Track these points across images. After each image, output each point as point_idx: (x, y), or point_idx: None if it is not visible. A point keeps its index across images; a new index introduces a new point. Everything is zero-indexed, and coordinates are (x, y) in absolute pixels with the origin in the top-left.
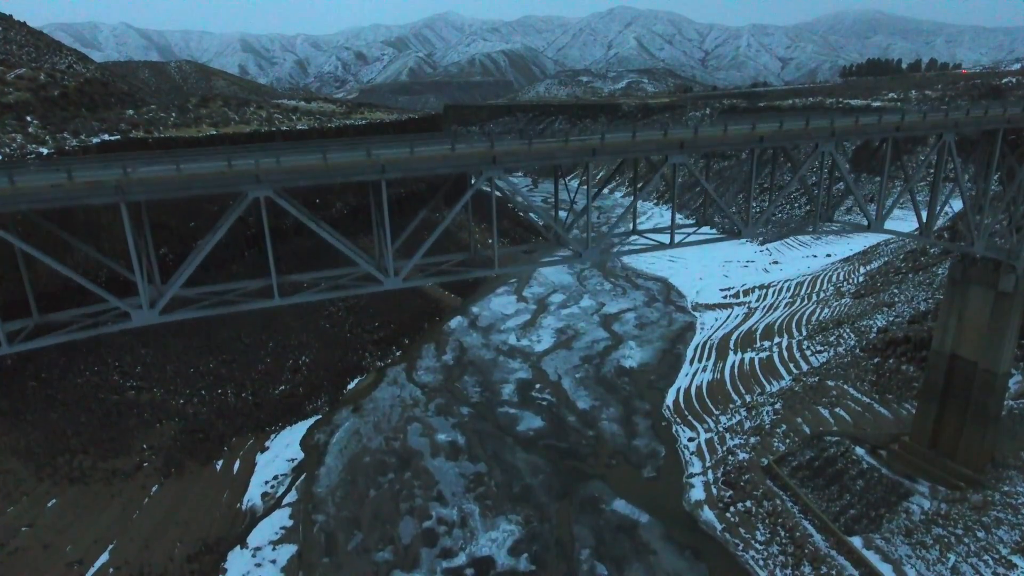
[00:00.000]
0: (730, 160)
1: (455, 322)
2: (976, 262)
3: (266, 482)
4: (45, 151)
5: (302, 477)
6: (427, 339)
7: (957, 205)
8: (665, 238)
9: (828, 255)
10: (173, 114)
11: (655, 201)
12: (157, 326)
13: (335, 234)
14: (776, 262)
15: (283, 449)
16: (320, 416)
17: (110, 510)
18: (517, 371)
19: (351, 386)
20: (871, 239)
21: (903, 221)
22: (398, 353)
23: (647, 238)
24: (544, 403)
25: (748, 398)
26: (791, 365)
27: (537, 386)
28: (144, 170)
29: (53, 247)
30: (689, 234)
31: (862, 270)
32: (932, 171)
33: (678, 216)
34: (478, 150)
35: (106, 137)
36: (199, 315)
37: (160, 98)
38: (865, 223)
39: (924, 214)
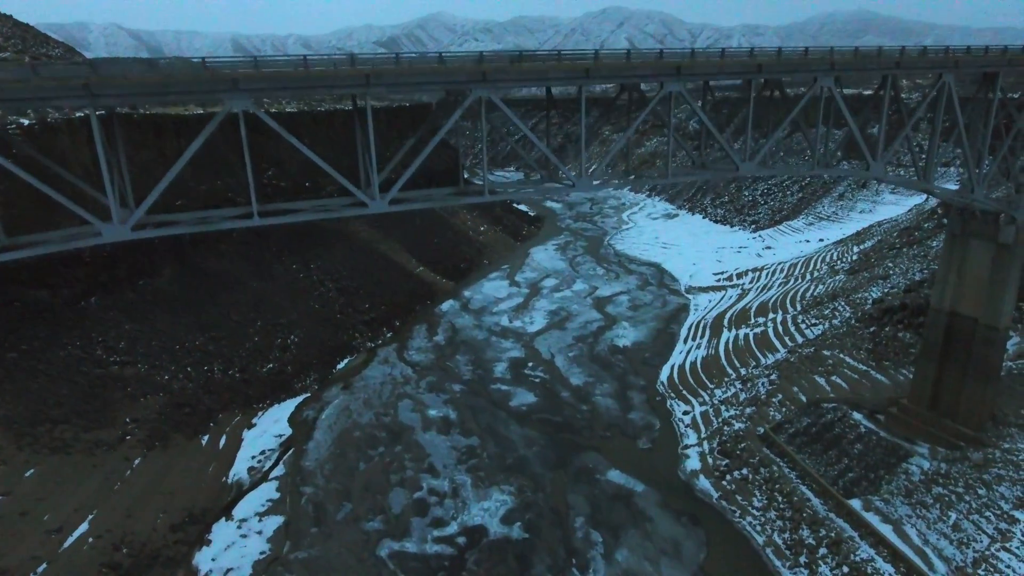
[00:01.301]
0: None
1: (447, 305)
2: (975, 215)
3: (253, 456)
4: (26, 122)
5: (290, 452)
6: (419, 320)
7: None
8: (657, 212)
9: (821, 239)
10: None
11: (648, 192)
12: (142, 300)
13: (318, 159)
14: (769, 247)
15: (271, 425)
16: (309, 394)
17: (91, 480)
18: (510, 350)
19: (341, 365)
20: (864, 221)
21: (899, 201)
22: (389, 335)
23: (641, 175)
24: (537, 380)
25: (743, 371)
26: (786, 339)
27: (530, 364)
28: (115, 68)
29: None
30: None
31: (855, 249)
32: (931, 116)
33: (667, 204)
34: (467, 64)
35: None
36: (173, 232)
37: None
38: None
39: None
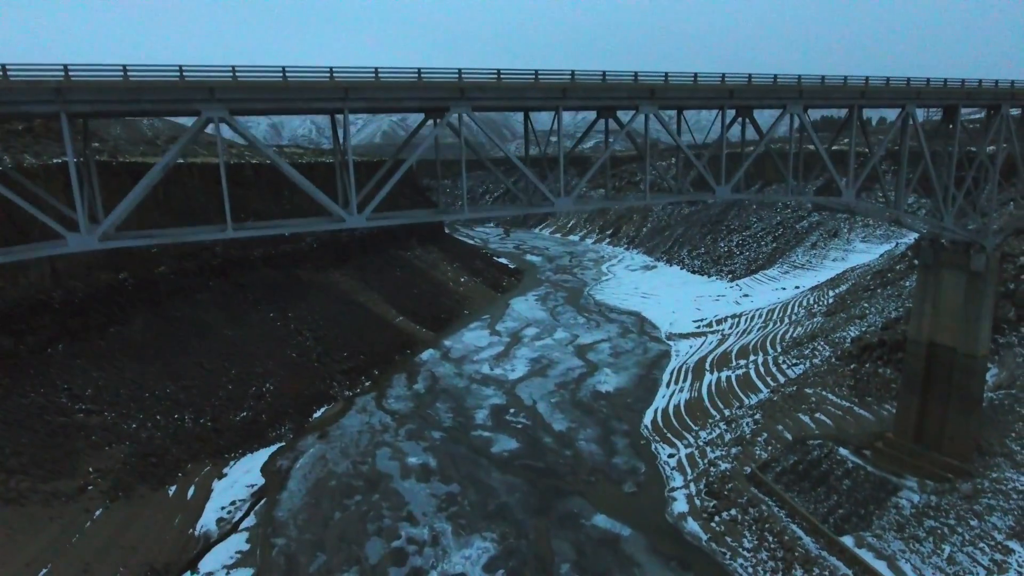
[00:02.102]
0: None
1: (427, 354)
2: (945, 246)
3: (222, 507)
4: (1, 168)
5: (262, 502)
6: (398, 370)
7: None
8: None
9: (797, 286)
10: (141, 147)
11: (626, 246)
12: (111, 348)
13: (296, 174)
14: (747, 295)
15: (242, 475)
16: (283, 443)
17: (47, 532)
18: (491, 397)
19: (318, 414)
20: (838, 268)
21: (870, 249)
22: (368, 383)
23: (624, 197)
24: (519, 426)
25: (727, 412)
26: (768, 379)
27: (511, 411)
28: (88, 74)
29: None
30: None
31: (831, 293)
32: (898, 147)
33: (645, 256)
34: (446, 80)
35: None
36: (142, 243)
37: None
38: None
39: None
